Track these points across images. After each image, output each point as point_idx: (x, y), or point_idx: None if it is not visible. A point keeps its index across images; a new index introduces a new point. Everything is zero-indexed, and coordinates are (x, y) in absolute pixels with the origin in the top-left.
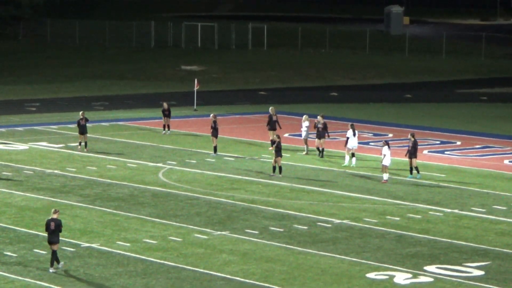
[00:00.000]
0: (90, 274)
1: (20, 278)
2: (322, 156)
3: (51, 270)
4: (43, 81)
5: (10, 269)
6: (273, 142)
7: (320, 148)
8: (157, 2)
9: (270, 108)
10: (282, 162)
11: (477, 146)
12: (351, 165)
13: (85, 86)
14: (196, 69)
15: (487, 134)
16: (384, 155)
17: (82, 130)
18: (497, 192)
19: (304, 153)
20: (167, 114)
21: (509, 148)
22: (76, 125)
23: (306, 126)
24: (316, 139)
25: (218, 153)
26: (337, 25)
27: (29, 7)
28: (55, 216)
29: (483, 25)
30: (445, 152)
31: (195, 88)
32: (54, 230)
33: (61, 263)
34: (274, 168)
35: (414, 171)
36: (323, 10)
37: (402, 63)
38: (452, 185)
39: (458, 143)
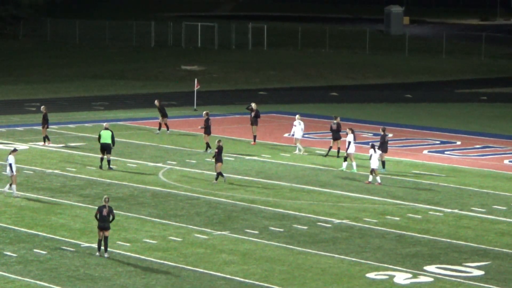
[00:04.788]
0: (90, 274)
1: (20, 278)
2: (338, 156)
3: (106, 255)
4: (43, 81)
5: (10, 269)
6: (254, 137)
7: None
8: (157, 2)
9: (253, 104)
10: (281, 161)
11: (477, 146)
12: (352, 170)
13: (85, 86)
14: (196, 69)
15: (487, 134)
16: (370, 157)
17: (48, 124)
18: (497, 192)
19: (296, 152)
20: (161, 112)
21: (509, 148)
22: (42, 120)
23: (294, 125)
24: (333, 140)
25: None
26: (337, 25)
27: (29, 7)
28: (106, 203)
29: (483, 25)
30: (445, 152)
31: (195, 88)
32: (106, 216)
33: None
34: (217, 175)
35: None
36: (323, 10)
37: (402, 63)
38: (452, 185)
39: (458, 143)
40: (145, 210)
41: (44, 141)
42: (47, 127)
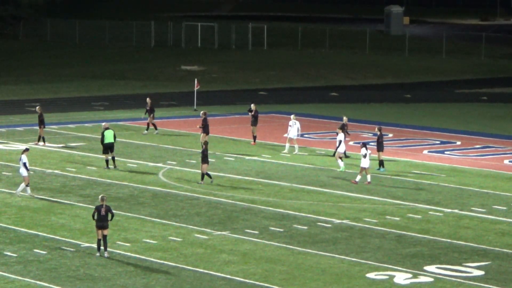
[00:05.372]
0: (90, 274)
1: (20, 278)
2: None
3: (106, 255)
4: (43, 81)
5: (10, 269)
6: (254, 137)
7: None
8: (157, 2)
9: (253, 104)
10: (281, 161)
11: (477, 146)
12: (343, 170)
13: (85, 86)
14: (196, 69)
15: (487, 134)
16: (365, 155)
17: (44, 124)
18: (497, 192)
19: (288, 152)
20: (150, 111)
21: (509, 148)
22: (38, 120)
23: (290, 126)
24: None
25: (217, 153)
26: (337, 25)
27: (29, 7)
28: (104, 202)
29: (483, 25)
30: (445, 152)
31: (195, 88)
32: (104, 215)
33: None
34: (203, 175)
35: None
36: (323, 10)
37: (402, 63)
38: (452, 185)
39: (458, 143)
40: (145, 210)
41: (44, 141)
42: (44, 127)
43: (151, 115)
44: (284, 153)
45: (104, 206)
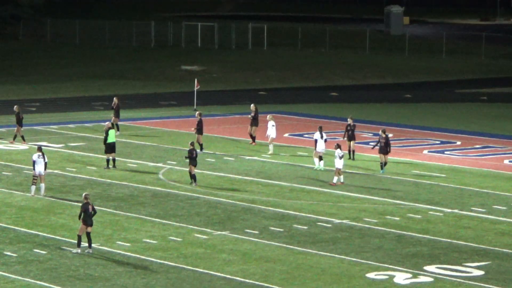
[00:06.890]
0: (90, 274)
1: (20, 278)
2: (353, 159)
3: (90, 251)
4: (43, 81)
5: (10, 269)
6: (253, 137)
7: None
8: (157, 2)
9: (252, 105)
10: (281, 161)
11: (477, 146)
12: (319, 169)
13: (85, 86)
14: (196, 69)
15: (487, 134)
16: (341, 157)
17: (21, 123)
18: (497, 192)
19: (270, 152)
20: (116, 111)
21: (509, 148)
22: (16, 119)
23: (273, 126)
24: (348, 141)
25: (217, 153)
26: (337, 25)
27: (29, 7)
28: (88, 200)
29: (483, 25)
30: (445, 152)
31: (195, 88)
32: (91, 212)
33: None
34: (193, 176)
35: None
36: (323, 10)
37: (402, 63)
38: (452, 185)
39: (458, 143)
40: (145, 210)
41: (23, 140)
42: (21, 126)
43: (116, 115)
44: (278, 154)
45: (90, 203)
